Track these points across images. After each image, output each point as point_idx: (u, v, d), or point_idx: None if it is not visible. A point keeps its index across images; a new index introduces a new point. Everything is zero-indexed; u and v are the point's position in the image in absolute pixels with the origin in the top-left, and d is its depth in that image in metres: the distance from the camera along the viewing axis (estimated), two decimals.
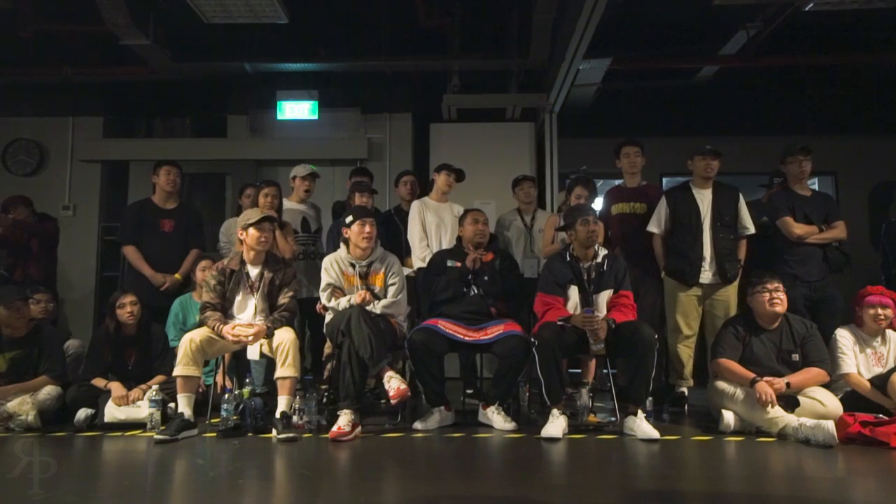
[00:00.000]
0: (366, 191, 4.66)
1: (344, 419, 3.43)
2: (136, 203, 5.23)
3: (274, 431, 3.41)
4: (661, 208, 4.26)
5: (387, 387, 3.47)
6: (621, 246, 4.33)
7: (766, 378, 3.47)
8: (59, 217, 5.70)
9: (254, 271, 3.80)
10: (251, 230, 3.74)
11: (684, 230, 4.16)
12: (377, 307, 3.80)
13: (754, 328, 3.71)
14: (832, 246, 4.32)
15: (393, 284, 3.92)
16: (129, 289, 4.19)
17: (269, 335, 3.63)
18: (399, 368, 4.08)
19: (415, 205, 4.64)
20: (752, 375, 3.51)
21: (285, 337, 3.58)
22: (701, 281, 4.12)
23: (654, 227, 4.28)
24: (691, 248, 4.12)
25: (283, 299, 3.78)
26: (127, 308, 3.98)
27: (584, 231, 3.74)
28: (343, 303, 3.79)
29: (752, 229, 4.23)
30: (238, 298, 3.78)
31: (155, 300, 4.39)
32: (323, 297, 3.91)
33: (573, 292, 3.76)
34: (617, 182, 4.80)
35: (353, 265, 3.91)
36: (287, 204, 4.81)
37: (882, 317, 3.68)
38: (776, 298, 3.64)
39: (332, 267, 3.93)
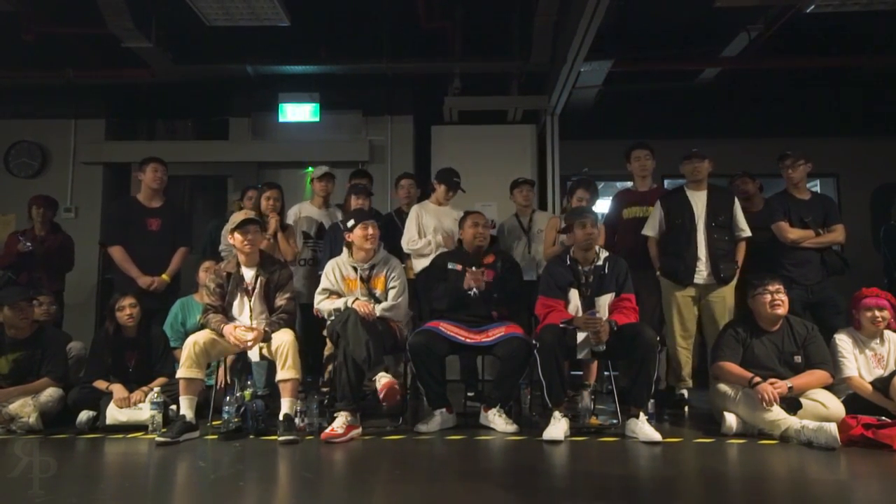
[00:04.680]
0: (361, 193, 4.64)
1: (339, 421, 3.44)
2: (121, 201, 5.14)
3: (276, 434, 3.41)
4: (656, 212, 4.29)
5: (377, 385, 3.46)
6: (632, 248, 4.32)
7: (767, 380, 3.46)
8: (60, 220, 5.71)
9: (248, 273, 3.80)
10: (236, 234, 3.74)
11: (678, 231, 4.17)
12: (377, 310, 3.79)
13: (755, 330, 3.71)
14: (831, 250, 4.32)
15: (393, 287, 3.91)
16: (127, 290, 4.17)
17: (266, 339, 3.63)
18: (400, 371, 4.08)
19: (414, 209, 4.64)
20: (750, 376, 3.50)
21: (285, 339, 3.57)
22: (696, 281, 4.12)
23: (649, 231, 4.29)
24: (685, 248, 4.13)
25: (281, 301, 3.77)
26: (126, 310, 3.97)
27: (582, 234, 3.74)
28: (339, 304, 3.78)
29: (747, 232, 4.24)
30: (236, 301, 3.78)
31: (143, 302, 4.23)
32: (317, 299, 3.91)
33: (573, 295, 3.75)
34: (619, 184, 4.80)
35: (354, 269, 3.91)
36: (309, 209, 4.79)
37: (879, 318, 3.66)
38: (777, 300, 3.63)
39: (332, 272, 3.92)
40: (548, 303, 3.75)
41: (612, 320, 3.59)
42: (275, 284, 3.80)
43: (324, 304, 3.86)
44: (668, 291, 4.20)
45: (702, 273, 4.12)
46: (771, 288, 3.64)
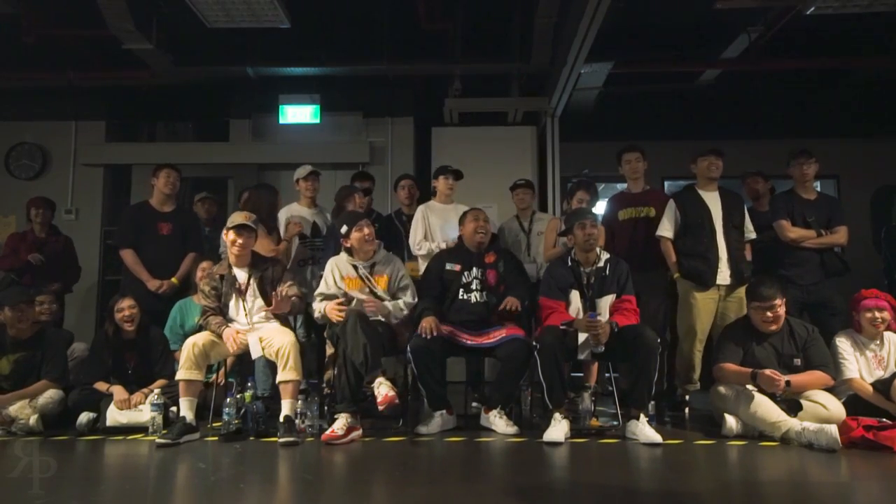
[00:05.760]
0: (359, 193, 4.63)
1: (339, 422, 3.43)
2: (133, 206, 5.22)
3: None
4: (671, 212, 4.24)
5: (376, 392, 3.46)
6: (629, 250, 4.31)
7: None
8: (61, 221, 5.72)
9: (241, 274, 3.80)
10: (230, 234, 3.75)
11: (698, 232, 4.14)
12: (395, 308, 3.82)
13: (755, 333, 3.70)
14: (831, 251, 4.31)
15: (406, 286, 3.93)
16: (127, 292, 4.18)
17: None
18: (401, 373, 4.08)
19: (419, 209, 4.63)
20: (750, 371, 3.50)
21: (285, 340, 3.57)
22: (718, 282, 4.10)
23: (666, 232, 4.23)
24: (708, 249, 4.10)
25: (286, 289, 3.74)
26: (125, 312, 3.97)
27: (582, 235, 3.74)
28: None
29: (754, 234, 4.27)
30: (231, 302, 3.79)
31: (151, 305, 4.31)
32: (314, 303, 3.90)
33: (574, 297, 3.75)
34: (619, 186, 4.79)
35: (354, 267, 3.91)
36: (298, 210, 4.80)
37: (879, 320, 3.66)
38: (769, 317, 3.60)
39: (332, 273, 3.92)
40: (549, 304, 3.75)
41: (613, 322, 3.58)
42: (269, 280, 3.80)
43: (324, 306, 3.85)
44: (687, 294, 4.14)
45: (724, 274, 4.09)
46: (765, 305, 3.61)
